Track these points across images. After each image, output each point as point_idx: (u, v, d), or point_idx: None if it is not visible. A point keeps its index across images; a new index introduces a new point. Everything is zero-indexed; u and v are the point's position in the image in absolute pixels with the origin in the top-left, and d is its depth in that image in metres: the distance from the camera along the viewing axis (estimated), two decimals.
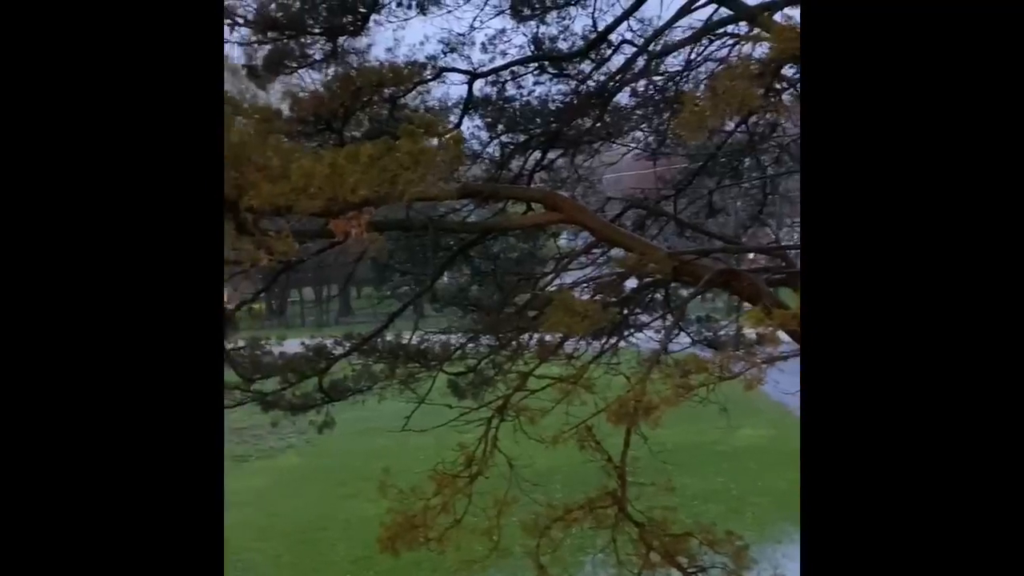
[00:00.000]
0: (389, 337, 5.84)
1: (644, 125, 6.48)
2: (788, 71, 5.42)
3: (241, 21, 4.82)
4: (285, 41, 4.99)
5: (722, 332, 6.67)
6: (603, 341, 5.82)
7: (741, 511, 9.71)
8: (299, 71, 5.28)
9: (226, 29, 5.05)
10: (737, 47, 4.43)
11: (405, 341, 5.81)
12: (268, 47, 5.01)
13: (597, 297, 4.51)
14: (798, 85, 5.78)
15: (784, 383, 4.35)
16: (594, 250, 5.66)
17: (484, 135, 6.25)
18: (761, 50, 3.23)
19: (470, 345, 6.00)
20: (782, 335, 3.56)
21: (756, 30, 3.14)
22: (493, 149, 6.42)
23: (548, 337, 5.81)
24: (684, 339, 6.56)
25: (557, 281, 5.66)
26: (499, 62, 5.83)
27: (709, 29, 4.64)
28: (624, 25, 5.47)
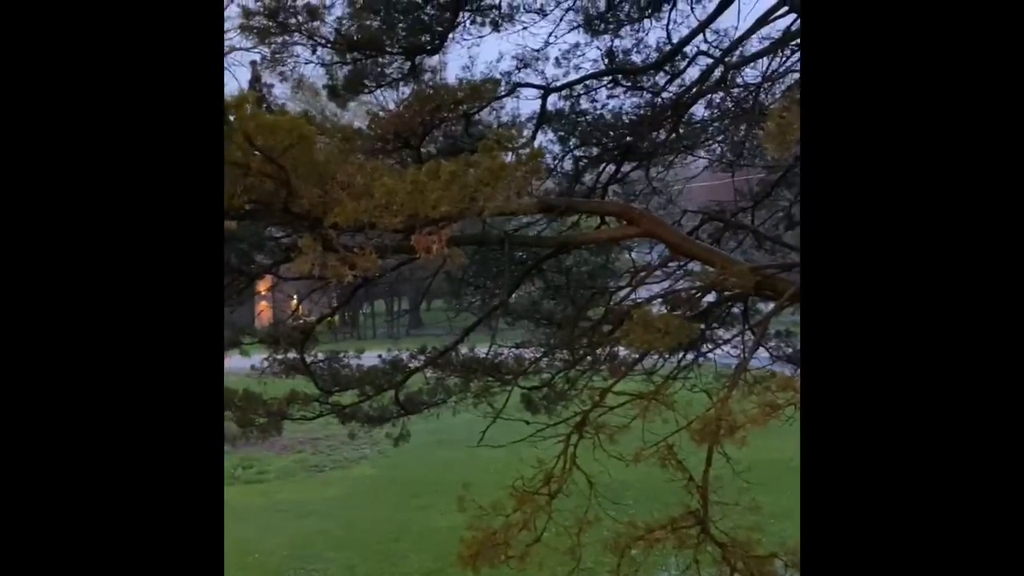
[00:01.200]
0: (464, 351, 5.88)
1: (720, 137, 6.39)
2: None
3: (323, 42, 4.95)
4: (364, 61, 5.10)
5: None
6: (680, 357, 5.74)
7: None
8: (377, 90, 5.39)
9: (307, 50, 5.22)
10: None
11: (480, 355, 5.84)
12: (348, 67, 5.13)
13: (676, 312, 4.45)
14: None
15: None
16: (670, 264, 5.60)
17: (557, 149, 6.27)
18: None
19: (544, 360, 5.99)
20: None
21: None
22: (567, 163, 6.42)
23: (623, 352, 5.76)
24: (763, 354, 6.42)
25: (632, 296, 5.62)
26: (573, 76, 5.84)
27: (787, 39, 4.55)
28: (699, 37, 5.42)
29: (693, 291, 4.51)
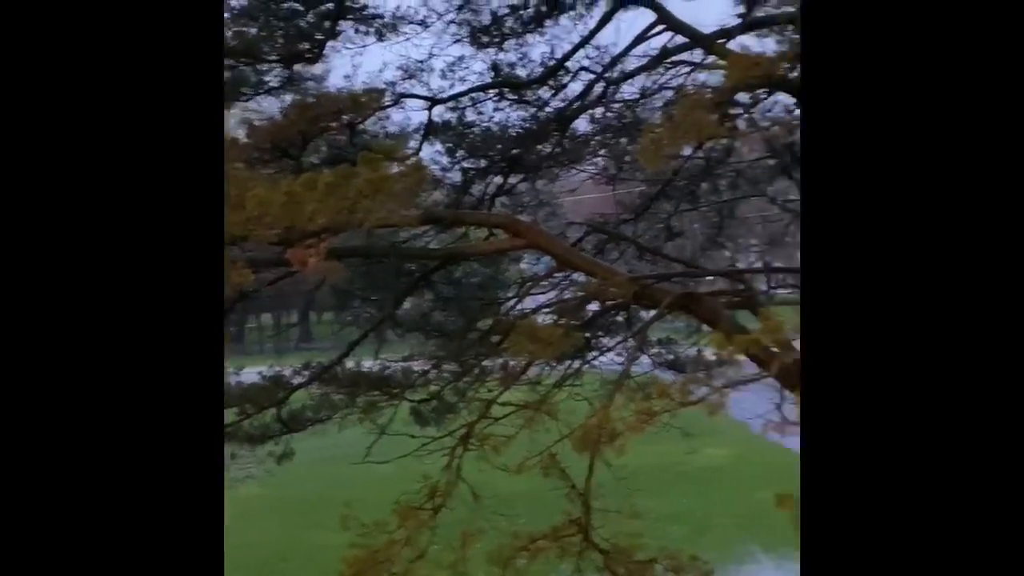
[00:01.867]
0: (349, 365, 5.77)
1: (603, 151, 6.54)
2: (741, 97, 5.54)
3: None
4: (241, 68, 4.94)
5: (683, 353, 6.72)
6: (566, 365, 5.82)
7: (705, 532, 9.74)
8: (255, 98, 5.23)
9: None
10: (692, 75, 4.50)
11: (366, 369, 5.74)
12: (225, 74, 4.96)
13: (560, 322, 4.51)
14: (752, 110, 5.92)
15: (746, 403, 4.40)
16: (556, 275, 5.68)
17: (445, 160, 6.26)
18: (716, 78, 3.27)
19: (432, 372, 5.95)
20: (743, 358, 3.59)
21: (711, 58, 3.18)
22: (455, 174, 6.42)
23: (512, 363, 5.80)
24: (647, 360, 6.60)
25: (520, 306, 5.66)
26: (458, 88, 5.85)
27: (664, 57, 4.71)
28: (581, 52, 5.53)
29: (576, 301, 4.58)
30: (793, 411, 2.96)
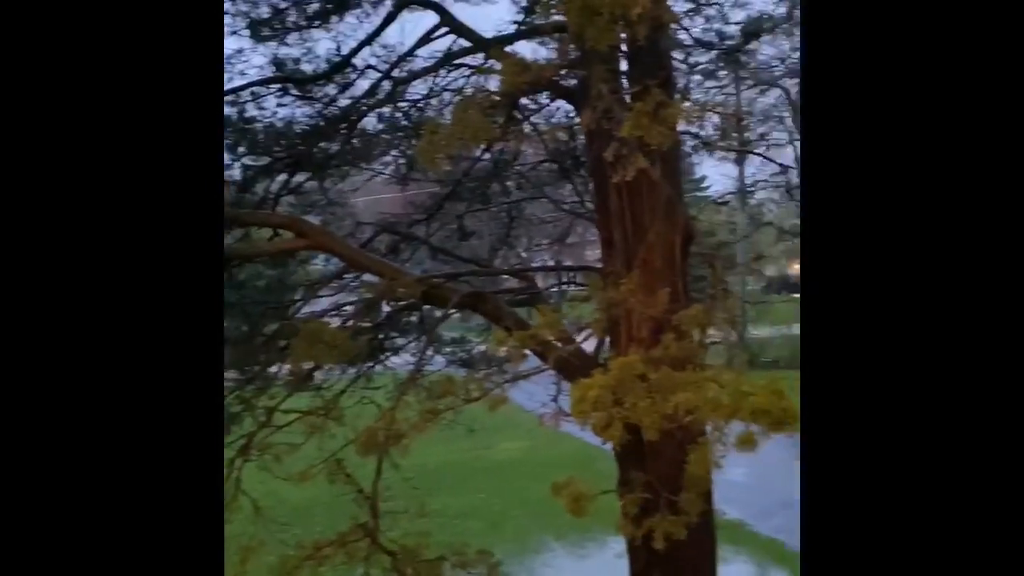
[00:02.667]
0: None
1: (393, 150, 6.50)
2: (525, 101, 5.73)
3: None
4: None
5: (475, 352, 6.84)
6: (358, 368, 5.74)
7: (502, 525, 9.98)
8: None
9: None
10: (473, 78, 4.58)
11: None
12: None
13: (348, 324, 4.44)
14: (538, 115, 6.13)
15: (540, 395, 4.55)
16: (345, 276, 5.57)
17: (225, 157, 5.93)
18: (494, 82, 3.36)
19: None
20: (531, 352, 3.71)
21: (490, 62, 3.26)
22: (235, 172, 6.11)
23: (301, 367, 5.61)
24: (441, 360, 6.66)
25: (307, 309, 5.49)
26: (238, 82, 5.57)
27: (448, 59, 4.77)
28: (368, 50, 5.46)
29: (363, 303, 4.53)
30: (567, 402, 3.11)
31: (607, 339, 4.00)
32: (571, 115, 5.47)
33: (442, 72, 5.09)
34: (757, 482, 10.97)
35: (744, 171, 20.57)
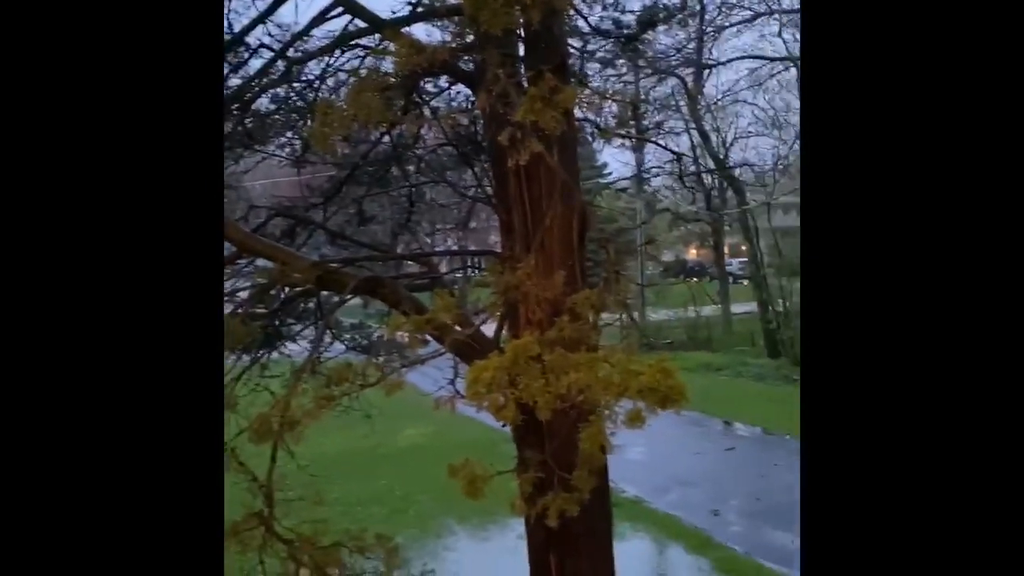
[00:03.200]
0: None
1: (288, 132, 6.35)
2: (427, 84, 5.68)
3: None
4: None
5: (376, 338, 6.78)
6: (253, 355, 5.59)
7: (405, 510, 9.97)
8: None
9: None
10: (369, 59, 4.52)
11: None
12: None
13: (241, 310, 4.32)
14: (439, 99, 6.09)
15: (443, 382, 4.54)
16: (239, 261, 5.42)
17: None
18: (391, 64, 3.32)
19: None
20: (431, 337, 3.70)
21: (384, 43, 3.22)
22: None
23: None
24: (341, 346, 6.57)
25: None
26: None
27: (344, 40, 4.68)
28: (262, 29, 5.30)
29: (255, 289, 4.41)
30: (462, 384, 3.13)
31: (506, 322, 4.04)
32: (472, 100, 5.47)
33: (337, 53, 5.00)
34: (654, 460, 11.34)
35: (643, 159, 21.08)
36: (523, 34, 3.79)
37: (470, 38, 3.43)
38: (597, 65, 8.57)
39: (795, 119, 21.99)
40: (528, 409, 2.84)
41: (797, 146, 21.89)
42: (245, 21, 5.43)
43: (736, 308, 23.50)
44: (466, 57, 4.26)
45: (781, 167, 23.70)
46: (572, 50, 7.29)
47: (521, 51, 3.91)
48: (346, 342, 6.65)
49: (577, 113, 5.82)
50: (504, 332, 4.28)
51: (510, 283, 3.42)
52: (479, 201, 6.31)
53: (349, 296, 4.22)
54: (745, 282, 24.62)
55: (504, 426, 3.50)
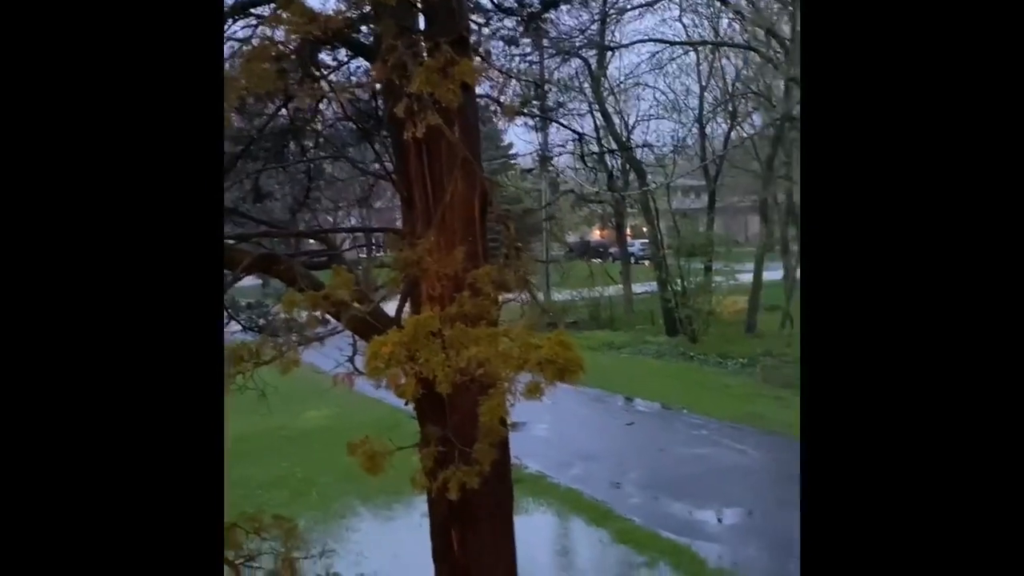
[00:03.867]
0: None
1: None
2: (326, 57, 5.53)
3: None
4: None
5: (274, 317, 6.61)
6: None
7: (307, 492, 9.81)
8: None
9: None
10: (260, 29, 4.37)
11: None
12: None
13: None
14: (338, 71, 5.94)
15: (345, 360, 4.46)
16: None
17: None
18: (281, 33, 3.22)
19: None
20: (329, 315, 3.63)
21: (279, 11, 3.11)
22: None
23: None
24: (237, 326, 6.38)
25: None
26: None
27: (236, 9, 4.51)
28: None
29: None
30: (360, 361, 3.09)
31: (408, 299, 4.01)
32: (371, 73, 5.36)
33: (230, 22, 4.81)
34: (557, 436, 11.55)
35: (547, 139, 21.25)
36: (421, 6, 3.74)
37: (367, 8, 3.36)
38: (500, 43, 8.57)
39: (694, 103, 22.62)
40: (429, 384, 2.84)
41: (695, 129, 22.53)
42: None
43: (637, 288, 24.07)
44: (366, 30, 4.17)
45: (680, 149, 24.34)
46: (474, 26, 7.24)
47: (422, 24, 3.86)
48: (243, 322, 6.46)
49: (480, 91, 5.79)
50: (406, 309, 4.24)
51: (410, 259, 3.40)
52: (379, 177, 6.21)
53: (242, 274, 4.09)
54: (646, 262, 25.25)
55: (407, 404, 3.48)
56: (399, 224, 5.12)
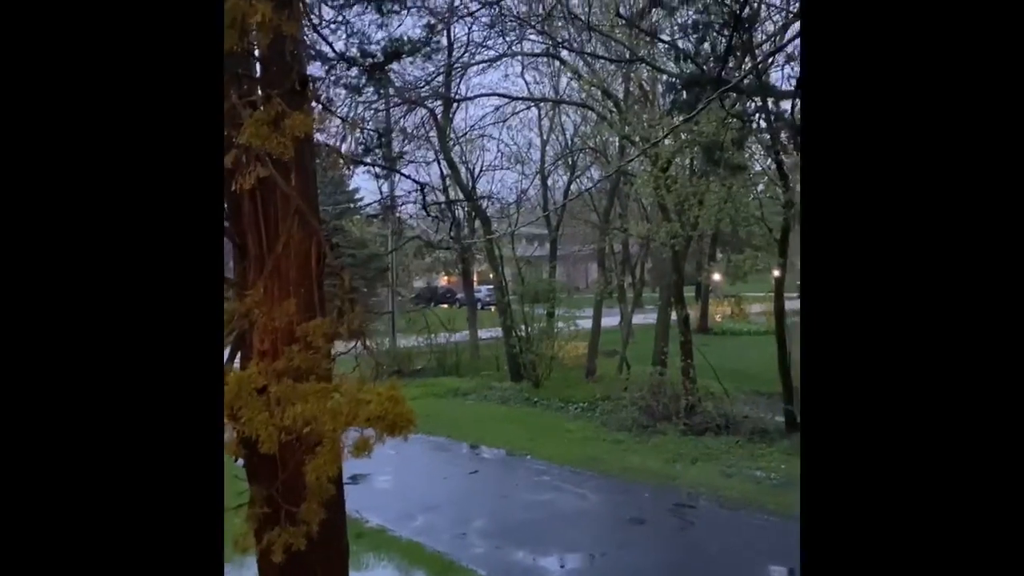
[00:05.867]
0: None
1: None
2: None
3: None
4: None
5: None
6: None
7: None
8: None
9: None
10: None
11: None
12: None
13: None
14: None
15: None
16: None
17: None
18: None
19: None
20: None
21: None
22: None
23: None
24: None
25: None
26: None
27: None
28: None
29: None
30: None
31: (239, 352, 3.87)
32: None
33: None
34: (400, 488, 11.35)
35: (393, 186, 21.25)
36: (257, 54, 3.69)
37: None
38: (342, 91, 8.56)
39: (536, 155, 23.42)
40: (252, 444, 2.74)
41: (538, 180, 23.29)
42: None
43: (483, 334, 24.32)
44: None
45: (522, 200, 25.06)
46: (317, 73, 7.20)
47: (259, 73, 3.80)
48: None
49: (321, 137, 5.73)
50: (236, 364, 4.09)
51: (238, 311, 3.29)
52: None
53: None
54: (492, 308, 25.63)
55: (236, 461, 3.34)
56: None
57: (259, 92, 3.60)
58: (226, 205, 4.71)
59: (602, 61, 16.49)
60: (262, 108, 2.94)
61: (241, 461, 3.35)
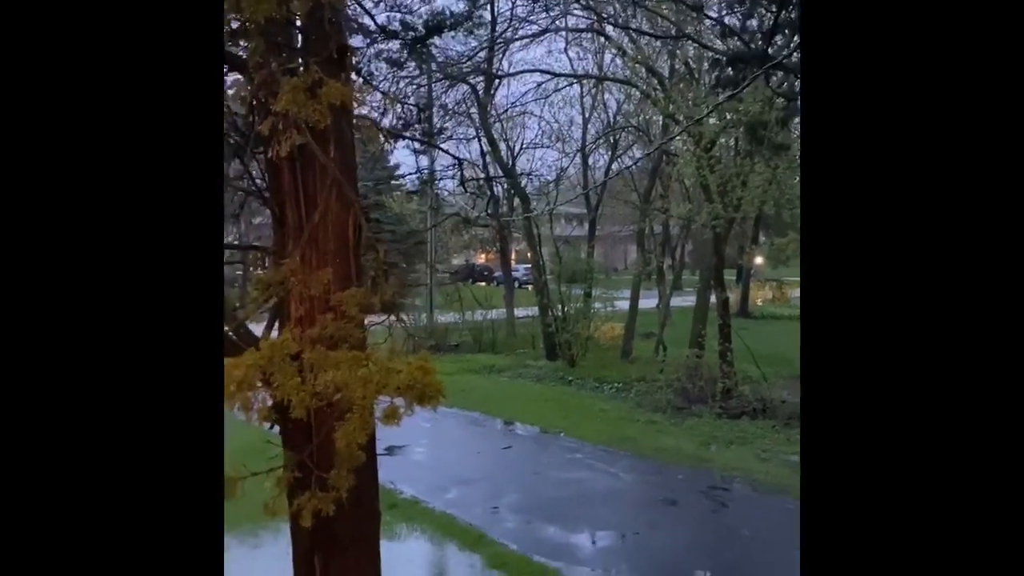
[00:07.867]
0: None
1: None
2: None
3: None
4: None
5: None
6: None
7: None
8: None
9: None
10: None
11: None
12: None
13: None
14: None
15: None
16: None
17: None
18: None
19: None
20: None
21: None
22: None
23: None
24: None
25: None
26: None
27: None
28: None
29: None
30: None
31: (277, 320, 3.92)
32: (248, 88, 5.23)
33: None
34: (434, 460, 11.47)
35: (433, 162, 21.28)
36: (299, 24, 3.70)
37: (235, 26, 3.29)
38: (384, 65, 8.56)
39: (577, 133, 23.24)
40: (285, 409, 2.78)
41: (578, 159, 23.13)
42: None
43: (520, 312, 24.35)
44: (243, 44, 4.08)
45: (562, 179, 24.93)
46: (358, 47, 7.20)
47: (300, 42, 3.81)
48: None
49: (362, 111, 5.73)
50: (275, 333, 4.14)
51: (274, 279, 3.32)
52: (249, 194, 6.05)
53: None
54: (529, 287, 25.63)
55: (271, 428, 3.39)
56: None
57: (299, 61, 3.61)
58: (265, 175, 4.76)
59: (647, 38, 16.25)
60: (298, 76, 2.95)
61: (277, 429, 3.41)
